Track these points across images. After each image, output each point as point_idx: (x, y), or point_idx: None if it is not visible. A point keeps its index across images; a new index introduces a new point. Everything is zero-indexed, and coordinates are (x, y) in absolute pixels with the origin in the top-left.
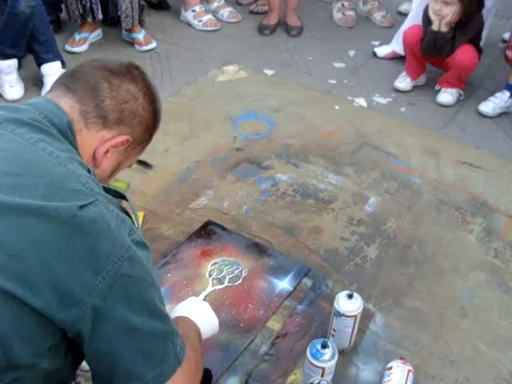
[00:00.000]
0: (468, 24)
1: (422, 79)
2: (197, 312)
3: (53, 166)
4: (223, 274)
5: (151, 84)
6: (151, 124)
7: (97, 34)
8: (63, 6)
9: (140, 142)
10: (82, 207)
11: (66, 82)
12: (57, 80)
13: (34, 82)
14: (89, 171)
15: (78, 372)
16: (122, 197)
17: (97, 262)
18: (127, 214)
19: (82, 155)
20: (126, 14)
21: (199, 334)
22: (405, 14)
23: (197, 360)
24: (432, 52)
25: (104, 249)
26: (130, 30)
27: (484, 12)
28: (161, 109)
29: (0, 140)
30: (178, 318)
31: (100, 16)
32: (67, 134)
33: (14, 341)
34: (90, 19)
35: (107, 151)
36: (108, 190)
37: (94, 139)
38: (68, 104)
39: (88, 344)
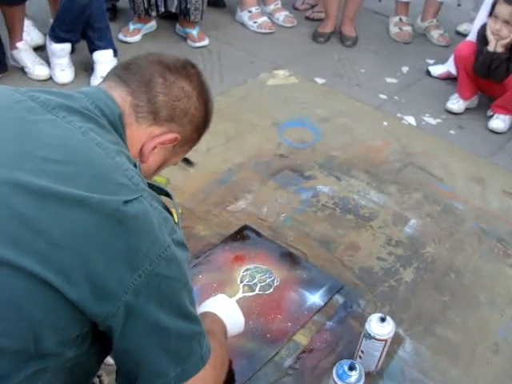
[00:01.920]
0: None
1: (475, 101)
2: (224, 309)
3: (101, 158)
4: (255, 281)
5: (206, 83)
6: (202, 124)
7: (151, 25)
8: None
9: (188, 141)
10: (126, 202)
11: (120, 74)
12: (111, 70)
13: (85, 68)
14: (135, 165)
15: (101, 365)
16: (166, 194)
17: (135, 258)
18: (169, 211)
19: (130, 149)
20: (195, 6)
21: (225, 331)
22: (463, 35)
23: (223, 355)
24: (485, 73)
25: (143, 246)
26: (184, 25)
27: None
28: (213, 109)
29: (51, 126)
30: (205, 313)
31: (163, 9)
32: (117, 126)
33: (46, 329)
34: (154, 13)
35: (155, 147)
36: (152, 186)
37: (143, 134)
38: (120, 96)
39: (117, 340)
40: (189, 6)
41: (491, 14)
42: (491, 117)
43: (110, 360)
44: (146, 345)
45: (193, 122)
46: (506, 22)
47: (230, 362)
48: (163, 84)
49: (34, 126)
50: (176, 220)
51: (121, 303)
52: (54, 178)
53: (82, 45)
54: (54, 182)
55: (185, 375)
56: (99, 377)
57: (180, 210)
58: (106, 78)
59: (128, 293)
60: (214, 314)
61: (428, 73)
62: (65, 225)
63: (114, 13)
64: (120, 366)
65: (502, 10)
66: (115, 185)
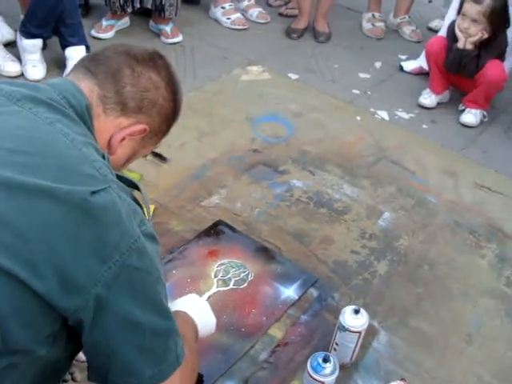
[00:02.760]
0: (493, 43)
1: (446, 96)
2: (196, 309)
3: (67, 149)
4: (229, 275)
5: (174, 74)
6: (170, 115)
7: (124, 21)
8: None
9: (157, 133)
10: (93, 193)
11: (87, 65)
12: (78, 62)
13: (57, 65)
14: (103, 157)
15: (74, 362)
16: (134, 187)
17: (104, 250)
18: (139, 204)
19: (98, 141)
20: (170, 2)
21: (196, 333)
22: (434, 31)
23: (193, 361)
24: (456, 69)
25: (113, 237)
26: (157, 22)
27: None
28: (181, 101)
29: (16, 117)
30: (176, 312)
31: (138, 5)
32: (85, 117)
33: (14, 324)
34: (129, 9)
35: (123, 139)
36: (121, 179)
37: (111, 125)
38: (88, 87)
39: (87, 334)
40: (164, 2)
41: (459, 11)
42: (463, 111)
43: (82, 357)
44: (117, 340)
45: (161, 112)
46: (474, 21)
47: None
48: (131, 75)
49: None
50: (146, 213)
51: (91, 296)
52: (20, 169)
53: (54, 41)
54: (20, 173)
55: (160, 376)
56: (72, 374)
57: (153, 207)
58: (73, 70)
59: (98, 285)
60: (185, 314)
61: (401, 68)
62: (31, 216)
63: (87, 9)
64: (91, 362)
65: (470, 8)
66: (82, 176)
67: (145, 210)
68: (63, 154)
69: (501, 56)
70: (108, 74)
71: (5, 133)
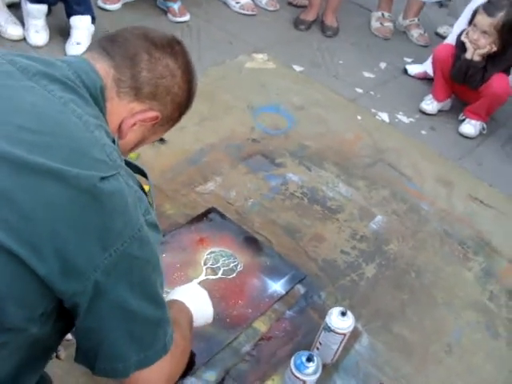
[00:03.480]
0: (501, 57)
1: (448, 104)
2: (193, 299)
3: (79, 131)
4: (218, 264)
5: (191, 62)
6: (184, 104)
7: None
8: None
9: (169, 120)
10: (103, 179)
11: (105, 45)
12: (96, 41)
13: (61, 33)
14: (113, 141)
15: None
16: (142, 173)
17: (107, 237)
18: (143, 191)
19: (109, 123)
20: None
21: (191, 322)
22: (442, 37)
23: (185, 347)
24: (461, 79)
25: (117, 225)
26: None
27: None
28: (196, 89)
29: (30, 93)
30: (173, 301)
31: None
32: (98, 98)
33: (10, 303)
34: None
35: (134, 124)
36: (129, 164)
37: (123, 109)
38: (103, 68)
39: (81, 318)
40: None
41: (471, 22)
42: (463, 121)
43: (68, 335)
44: (110, 326)
45: (175, 101)
46: (484, 33)
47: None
48: (148, 60)
49: (12, 92)
50: (150, 200)
51: (89, 281)
52: (30, 147)
53: (59, 7)
54: (29, 152)
55: (146, 361)
56: (56, 351)
57: (148, 187)
58: (89, 49)
59: (98, 271)
60: (182, 303)
61: (405, 71)
62: (37, 197)
63: None
64: (81, 345)
65: (482, 20)
66: (92, 160)
67: (150, 197)
68: (75, 135)
69: (507, 70)
70: (125, 58)
71: (17, 108)
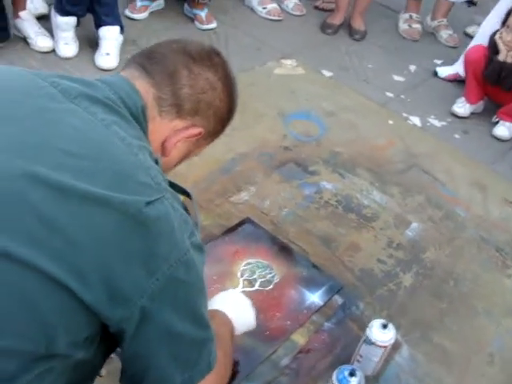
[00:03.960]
0: None
1: (480, 106)
2: (233, 306)
3: (123, 154)
4: (255, 276)
5: (231, 73)
6: (226, 116)
7: (158, 3)
8: None
9: (212, 134)
10: (148, 203)
11: (142, 63)
12: (132, 58)
13: (90, 44)
14: (156, 162)
15: None
16: (186, 194)
17: (153, 262)
18: (187, 211)
19: (151, 143)
20: None
21: (232, 333)
22: (471, 36)
23: (226, 364)
24: (495, 81)
25: (163, 250)
26: (192, 6)
27: None
28: (237, 100)
29: (72, 116)
30: (214, 312)
31: None
32: (140, 119)
33: (59, 331)
34: None
35: (178, 141)
36: (172, 185)
37: (165, 128)
38: (143, 87)
39: (128, 344)
40: None
41: (504, 22)
42: (496, 123)
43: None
44: (157, 350)
45: (217, 114)
46: None
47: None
48: (188, 76)
49: (54, 115)
50: (195, 221)
51: (136, 308)
52: (75, 173)
53: (88, 19)
54: (74, 178)
55: (190, 381)
56: None
57: (182, 197)
58: (127, 66)
59: (144, 297)
60: (223, 314)
61: (435, 73)
62: (84, 224)
63: None
64: (126, 368)
65: None
66: (137, 184)
67: (196, 218)
68: (118, 159)
69: None
70: (165, 75)
71: (60, 133)
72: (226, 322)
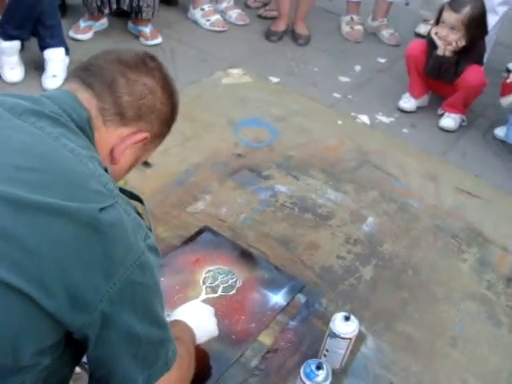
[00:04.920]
0: (472, 50)
1: (425, 100)
2: (193, 317)
3: (73, 164)
4: (217, 282)
5: (168, 75)
6: (169, 117)
7: (102, 22)
8: None
9: (158, 136)
10: (102, 209)
11: (81, 76)
12: (71, 72)
13: (35, 67)
14: (105, 170)
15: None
16: (137, 199)
17: (110, 266)
18: (141, 216)
19: (99, 152)
20: (147, 3)
21: (193, 340)
22: (423, 36)
23: (190, 361)
24: (436, 75)
25: (118, 254)
26: (136, 23)
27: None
28: (178, 100)
29: (20, 132)
30: (176, 321)
31: (115, 6)
32: (86, 130)
33: (23, 341)
34: (106, 11)
35: (125, 148)
36: (123, 191)
37: (112, 137)
38: (86, 99)
39: (92, 349)
40: (141, 3)
41: (438, 19)
42: (442, 115)
43: (76, 368)
44: (119, 352)
45: (160, 117)
46: (453, 28)
47: (206, 361)
48: (126, 83)
49: (2, 132)
50: (148, 225)
51: (96, 312)
52: (28, 186)
53: (32, 42)
54: (28, 191)
55: (150, 379)
56: None
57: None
58: (66, 81)
59: (103, 301)
60: (183, 323)
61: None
62: (41, 234)
63: (64, 9)
64: (93, 373)
65: (449, 16)
66: (90, 192)
67: (149, 221)
68: (70, 170)
69: (480, 61)
70: (104, 86)
71: (10, 148)
72: (187, 329)
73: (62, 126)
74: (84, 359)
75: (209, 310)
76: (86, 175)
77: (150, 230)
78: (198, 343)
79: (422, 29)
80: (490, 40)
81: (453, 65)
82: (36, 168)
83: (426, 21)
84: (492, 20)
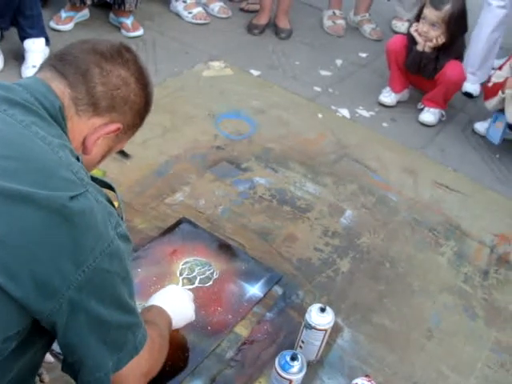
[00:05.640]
0: (451, 47)
1: (406, 94)
2: (171, 301)
3: (44, 152)
4: (194, 273)
5: (143, 67)
6: (143, 109)
7: (84, 13)
8: None
9: (131, 127)
10: (72, 198)
11: (56, 65)
12: (45, 61)
13: (15, 57)
14: (77, 159)
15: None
16: (108, 187)
17: (79, 254)
18: (112, 204)
19: (72, 142)
20: None
21: (169, 323)
22: (397, 32)
23: (161, 344)
24: (416, 70)
25: (88, 242)
26: (118, 14)
27: (489, 43)
28: (152, 92)
29: None
30: (152, 306)
31: None
32: (58, 119)
33: None
34: (89, 2)
35: (98, 139)
36: (95, 180)
37: (84, 126)
38: (59, 88)
39: (61, 336)
40: None
41: (419, 16)
42: (422, 110)
43: (49, 358)
44: (88, 339)
45: (133, 108)
46: (433, 25)
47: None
48: (100, 74)
49: None
50: (119, 213)
51: (64, 299)
52: None
53: (12, 31)
54: None
55: (120, 363)
56: (39, 375)
57: (117, 203)
58: (40, 69)
59: (71, 288)
60: (160, 308)
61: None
62: (10, 222)
63: None
64: (65, 358)
65: (430, 13)
66: (60, 180)
67: (120, 209)
68: (40, 158)
69: (459, 57)
70: (78, 75)
71: None
72: (162, 313)
73: (33, 114)
74: (57, 349)
75: (187, 295)
76: (57, 163)
77: (122, 218)
78: (176, 327)
79: (398, 26)
80: (494, 44)
81: (433, 60)
82: (6, 155)
83: (397, 18)
84: (487, 17)
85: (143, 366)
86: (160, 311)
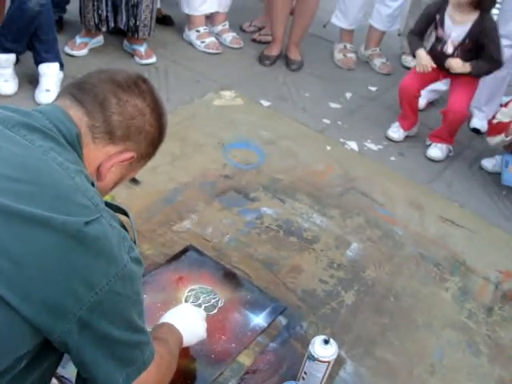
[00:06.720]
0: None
1: (414, 130)
2: (183, 320)
3: (62, 178)
4: (199, 301)
5: (159, 98)
6: (157, 139)
7: (98, 40)
8: (79, 14)
9: (144, 156)
10: (87, 223)
11: (74, 93)
12: (64, 89)
13: (29, 80)
14: (92, 184)
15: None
16: (123, 212)
17: (93, 277)
18: (125, 228)
19: (87, 168)
20: (144, 23)
21: (180, 341)
22: (407, 68)
23: (170, 361)
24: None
25: (102, 266)
26: (132, 42)
27: (497, 80)
28: (166, 123)
29: (11, 144)
30: (163, 323)
31: (112, 25)
32: (75, 145)
33: (2, 348)
34: (104, 29)
35: (112, 166)
36: (109, 205)
37: (99, 154)
38: (77, 116)
39: (74, 355)
40: (138, 22)
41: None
42: (429, 145)
43: (53, 381)
44: (98, 356)
45: (148, 138)
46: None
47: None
48: (117, 104)
49: None
50: (132, 237)
51: (75, 319)
52: (17, 196)
53: (27, 55)
54: (16, 201)
55: (129, 378)
56: None
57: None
58: (59, 97)
59: (83, 309)
60: (171, 325)
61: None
62: (26, 244)
63: (61, 25)
64: (79, 373)
65: None
66: (76, 205)
67: (131, 233)
68: (58, 183)
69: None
70: (95, 104)
71: (1, 159)
72: (173, 331)
73: (51, 139)
74: (61, 372)
75: (199, 314)
76: (73, 189)
77: (135, 242)
78: (187, 345)
79: (408, 61)
80: (499, 77)
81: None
82: (25, 179)
83: (406, 53)
84: None
85: (150, 381)
86: (171, 329)
